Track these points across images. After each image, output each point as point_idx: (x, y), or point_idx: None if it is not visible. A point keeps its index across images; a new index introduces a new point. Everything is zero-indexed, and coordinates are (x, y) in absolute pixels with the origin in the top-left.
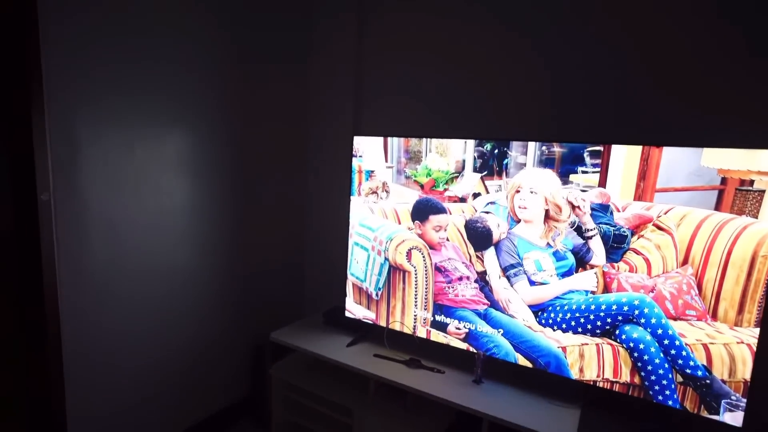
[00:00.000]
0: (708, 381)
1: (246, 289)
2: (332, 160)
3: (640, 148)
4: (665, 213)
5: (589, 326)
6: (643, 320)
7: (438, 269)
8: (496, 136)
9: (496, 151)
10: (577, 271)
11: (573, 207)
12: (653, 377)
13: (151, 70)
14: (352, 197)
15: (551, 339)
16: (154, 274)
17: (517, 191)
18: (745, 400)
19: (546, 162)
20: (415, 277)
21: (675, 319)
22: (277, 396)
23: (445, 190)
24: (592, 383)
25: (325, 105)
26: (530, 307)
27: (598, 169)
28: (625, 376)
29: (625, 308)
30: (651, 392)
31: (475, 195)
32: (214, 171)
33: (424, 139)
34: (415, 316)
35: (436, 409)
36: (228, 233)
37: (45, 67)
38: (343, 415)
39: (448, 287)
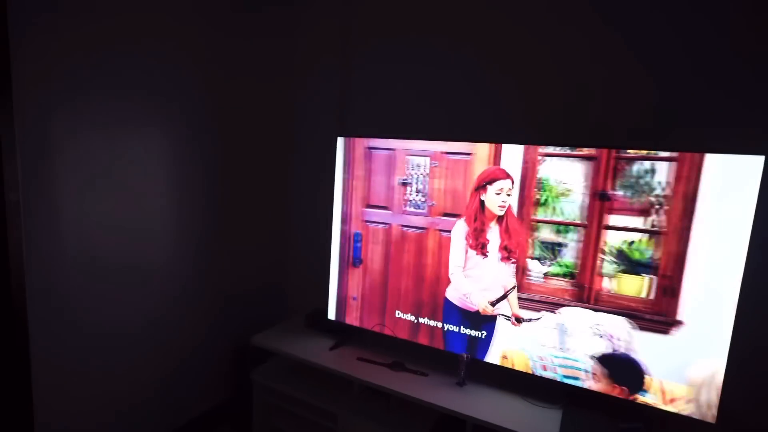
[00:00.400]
0: None
1: (225, 292)
2: (316, 161)
3: None
4: None
5: None
6: None
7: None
8: (487, 139)
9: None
10: None
11: None
12: None
13: (129, 68)
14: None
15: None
16: (129, 277)
17: None
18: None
19: None
20: None
21: None
22: (259, 401)
23: None
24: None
25: (310, 105)
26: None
27: None
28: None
29: None
30: None
31: None
32: (192, 172)
33: None
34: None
35: (420, 412)
36: (206, 235)
37: (14, 61)
38: (327, 419)
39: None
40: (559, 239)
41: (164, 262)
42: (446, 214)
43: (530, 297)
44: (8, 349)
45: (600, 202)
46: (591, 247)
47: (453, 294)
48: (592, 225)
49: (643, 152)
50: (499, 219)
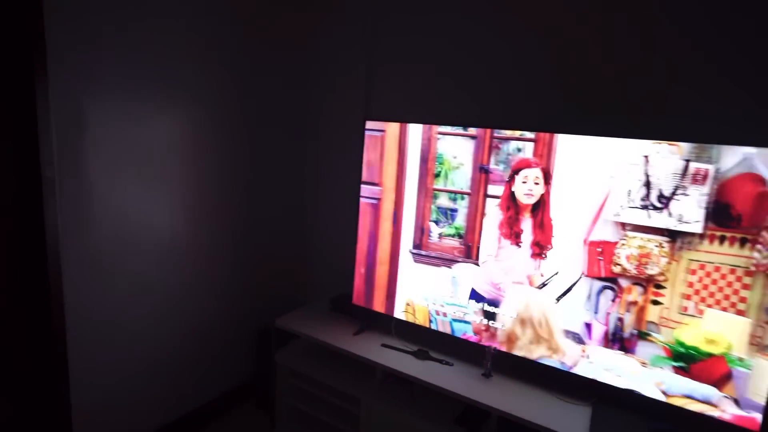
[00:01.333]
0: None
1: (250, 274)
2: (342, 144)
3: None
4: None
5: None
6: None
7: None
8: (511, 125)
9: None
10: None
11: None
12: None
13: (159, 49)
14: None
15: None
16: (158, 256)
17: None
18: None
19: None
20: None
21: None
22: (282, 382)
23: None
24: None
25: (335, 86)
26: None
27: None
28: None
29: None
30: None
31: None
32: (219, 153)
33: None
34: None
35: (444, 401)
36: (233, 216)
37: (49, 39)
38: (349, 403)
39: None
40: (453, 205)
41: (192, 244)
42: (364, 183)
43: (428, 254)
44: (45, 325)
45: (482, 174)
46: (475, 212)
47: (479, 284)
48: (476, 193)
49: (516, 133)
50: (534, 213)
